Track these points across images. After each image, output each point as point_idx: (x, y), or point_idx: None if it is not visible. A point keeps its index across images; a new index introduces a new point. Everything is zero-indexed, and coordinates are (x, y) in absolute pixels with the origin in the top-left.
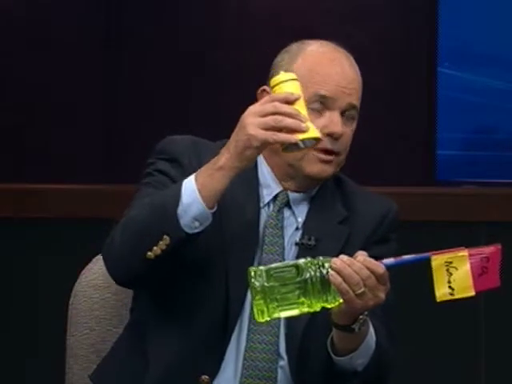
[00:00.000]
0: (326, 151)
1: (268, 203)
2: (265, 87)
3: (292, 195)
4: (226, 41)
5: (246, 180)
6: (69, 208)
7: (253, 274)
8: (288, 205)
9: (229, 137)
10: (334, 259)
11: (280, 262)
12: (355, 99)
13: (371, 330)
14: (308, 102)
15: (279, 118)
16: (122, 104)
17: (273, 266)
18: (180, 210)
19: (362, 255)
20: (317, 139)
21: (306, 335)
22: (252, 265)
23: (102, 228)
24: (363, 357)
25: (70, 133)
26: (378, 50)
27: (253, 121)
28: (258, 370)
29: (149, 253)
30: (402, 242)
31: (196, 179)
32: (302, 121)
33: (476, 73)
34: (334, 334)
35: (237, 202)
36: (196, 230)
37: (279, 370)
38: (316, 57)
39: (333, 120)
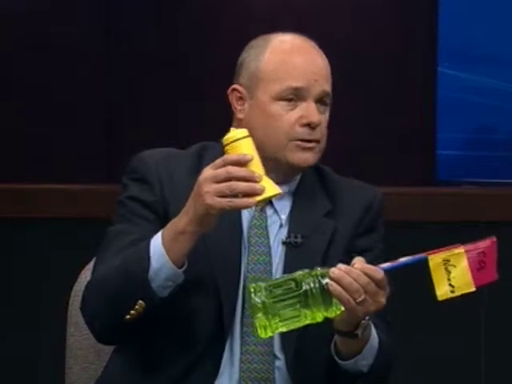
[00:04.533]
0: (307, 140)
1: None
2: (235, 86)
3: None
4: (226, 41)
5: None
6: (69, 208)
7: (252, 290)
8: (270, 202)
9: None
10: (332, 269)
11: (268, 261)
12: (327, 85)
13: (373, 330)
14: (281, 95)
15: (233, 185)
16: (121, 104)
17: (271, 281)
18: (151, 273)
19: (359, 262)
20: (275, 196)
21: (301, 333)
22: (239, 269)
23: (102, 228)
24: (367, 358)
25: (70, 133)
26: (378, 50)
27: (209, 189)
28: (255, 372)
29: (127, 316)
30: (402, 241)
31: (163, 242)
32: (256, 181)
33: (476, 73)
34: (338, 340)
35: None
36: (170, 289)
37: (276, 371)
38: (284, 47)
39: (308, 110)
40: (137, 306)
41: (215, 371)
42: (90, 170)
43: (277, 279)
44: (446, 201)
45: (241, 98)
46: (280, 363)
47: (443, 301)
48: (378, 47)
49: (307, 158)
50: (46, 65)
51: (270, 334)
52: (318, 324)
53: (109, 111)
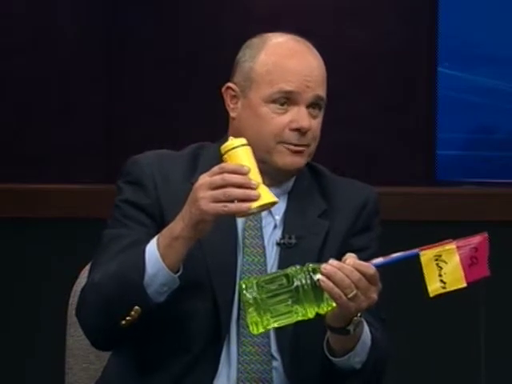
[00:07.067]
0: (296, 144)
1: None
2: (229, 84)
3: None
4: (226, 41)
5: None
6: (69, 208)
7: (244, 286)
8: None
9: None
10: (324, 265)
11: (262, 262)
12: (321, 90)
13: (366, 327)
14: (273, 98)
15: (229, 191)
16: (121, 104)
17: (262, 277)
18: (146, 279)
19: (351, 258)
20: (270, 204)
21: (297, 333)
22: (235, 269)
23: (102, 228)
24: (360, 355)
25: (70, 133)
26: (378, 50)
27: (204, 195)
28: (253, 372)
29: (122, 322)
30: (402, 241)
31: (158, 248)
32: (252, 189)
33: (476, 73)
34: (330, 337)
35: None
36: (165, 294)
37: (273, 371)
38: (279, 50)
39: (299, 115)
40: (132, 312)
41: (213, 372)
42: (89, 171)
43: (268, 275)
44: (445, 201)
45: (234, 97)
46: (277, 364)
47: (435, 296)
48: (377, 47)
49: (296, 161)
50: (46, 65)
51: (261, 330)
52: (309, 320)
53: (108, 111)
